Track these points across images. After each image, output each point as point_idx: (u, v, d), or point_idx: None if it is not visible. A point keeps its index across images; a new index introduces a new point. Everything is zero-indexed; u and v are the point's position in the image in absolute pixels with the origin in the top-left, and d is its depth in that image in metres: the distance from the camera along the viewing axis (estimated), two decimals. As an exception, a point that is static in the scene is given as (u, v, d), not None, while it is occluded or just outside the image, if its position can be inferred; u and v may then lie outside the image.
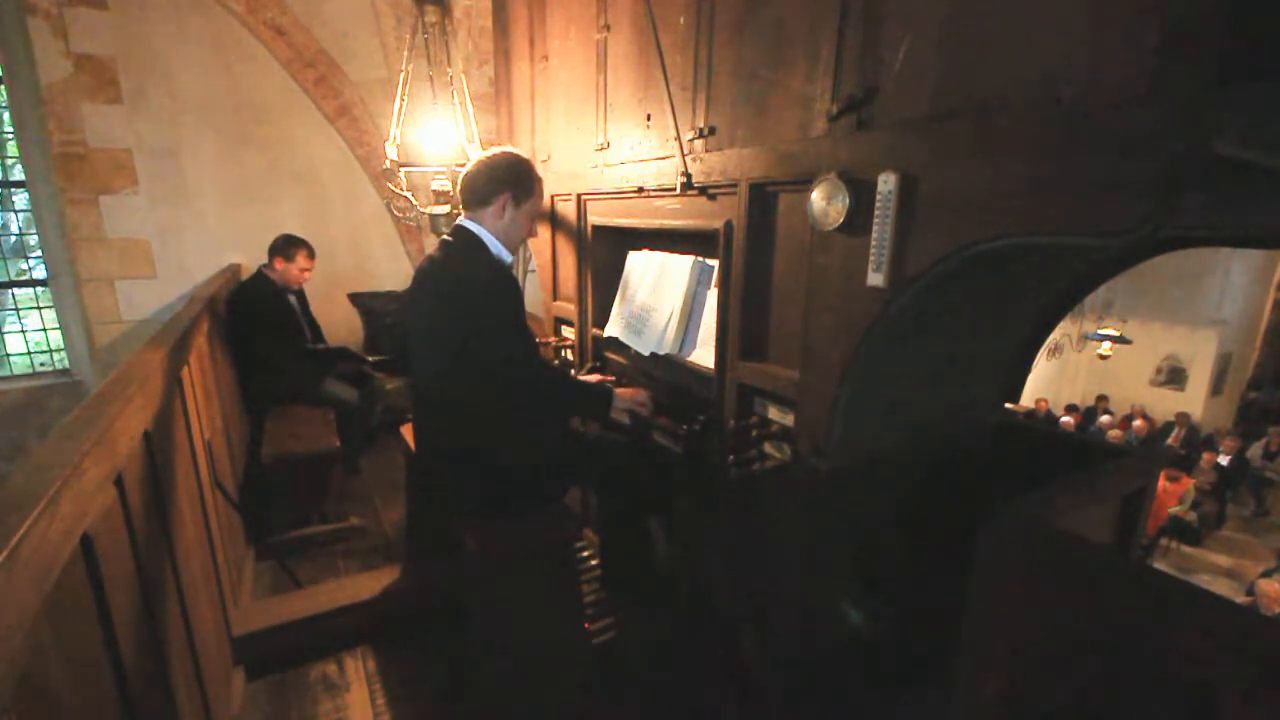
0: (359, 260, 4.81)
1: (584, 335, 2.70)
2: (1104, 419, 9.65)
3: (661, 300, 2.21)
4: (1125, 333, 8.94)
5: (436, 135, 2.97)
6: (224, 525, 2.37)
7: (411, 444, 2.24)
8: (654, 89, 2.04)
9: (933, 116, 1.23)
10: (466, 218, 1.88)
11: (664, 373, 2.22)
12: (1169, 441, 9.39)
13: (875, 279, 1.35)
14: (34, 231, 4.15)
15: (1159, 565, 6.75)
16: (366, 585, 2.52)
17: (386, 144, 2.98)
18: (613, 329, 2.43)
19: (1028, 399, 9.59)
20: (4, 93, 3.88)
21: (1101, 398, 10.62)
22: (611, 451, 2.13)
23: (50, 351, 4.41)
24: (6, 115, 3.99)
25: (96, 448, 1.06)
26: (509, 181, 1.84)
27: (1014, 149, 1.07)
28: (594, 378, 2.41)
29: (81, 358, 4.25)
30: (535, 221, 2.00)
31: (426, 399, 1.96)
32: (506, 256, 1.90)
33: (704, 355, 2.05)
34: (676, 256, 2.22)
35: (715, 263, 1.92)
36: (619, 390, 2.08)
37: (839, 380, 1.48)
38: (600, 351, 2.62)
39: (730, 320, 1.84)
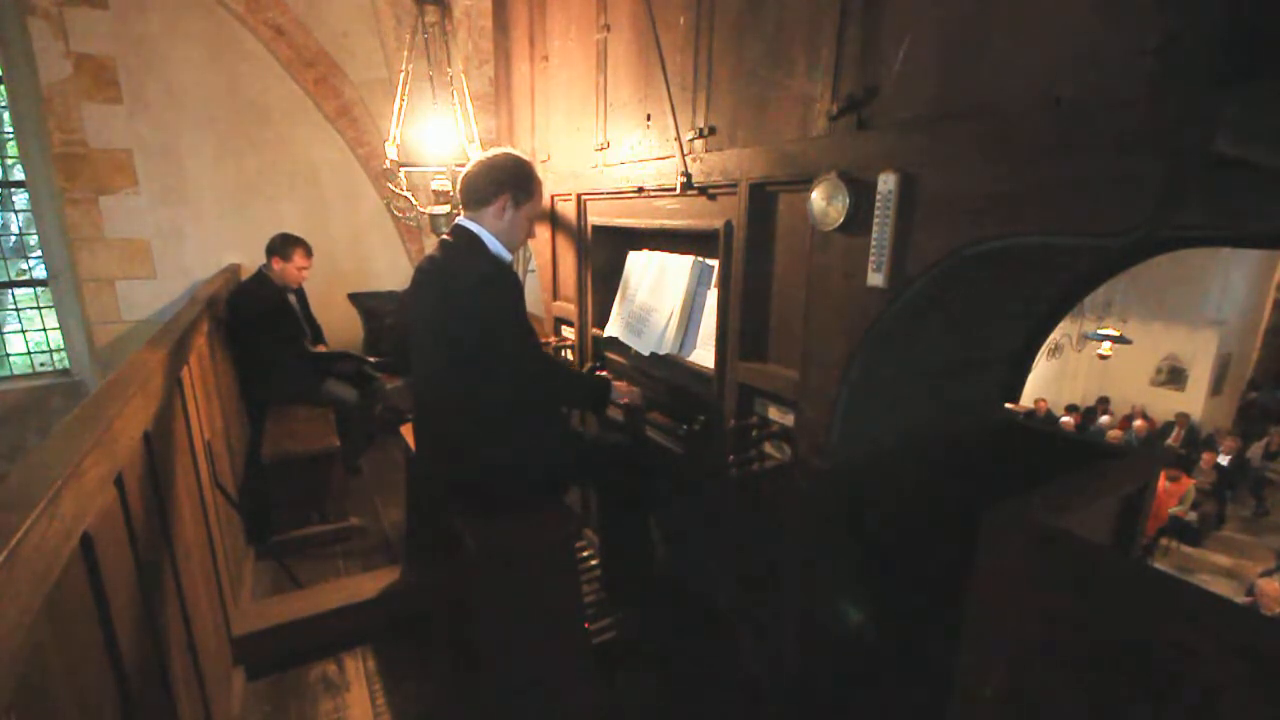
0: (359, 260, 4.81)
1: (584, 335, 2.70)
2: (1104, 419, 9.66)
3: (661, 300, 2.21)
4: (1125, 333, 8.93)
5: (436, 135, 2.97)
6: (224, 525, 2.37)
7: (411, 444, 2.24)
8: (654, 89, 2.04)
9: (933, 116, 1.23)
10: (466, 218, 1.88)
11: (664, 373, 2.22)
12: (1169, 441, 9.39)
13: (875, 279, 1.35)
14: (34, 231, 4.16)
15: (1159, 565, 6.75)
16: (366, 585, 2.52)
17: (386, 144, 2.98)
18: (613, 329, 2.43)
19: (1028, 399, 9.59)
20: (4, 93, 3.88)
21: (1101, 398, 10.62)
22: (611, 451, 2.13)
23: (50, 351, 4.41)
24: (6, 115, 3.99)
25: (96, 448, 1.06)
26: (509, 183, 1.84)
27: (1013, 149, 1.07)
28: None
29: (81, 358, 4.26)
30: (535, 223, 2.00)
31: (427, 399, 1.96)
32: (506, 256, 1.90)
33: (704, 355, 2.05)
34: (676, 256, 2.22)
35: (715, 263, 1.92)
36: (615, 384, 2.09)
37: (839, 380, 1.48)
38: (600, 351, 2.62)
39: (730, 320, 1.84)
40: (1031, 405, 9.56)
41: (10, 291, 4.35)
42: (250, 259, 4.24)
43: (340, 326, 4.47)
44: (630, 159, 2.24)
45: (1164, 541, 7.34)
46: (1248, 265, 9.76)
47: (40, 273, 4.29)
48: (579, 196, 2.56)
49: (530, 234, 2.00)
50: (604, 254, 2.55)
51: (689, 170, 1.88)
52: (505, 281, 1.81)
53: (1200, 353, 10.13)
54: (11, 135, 4.02)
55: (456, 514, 1.89)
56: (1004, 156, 1.09)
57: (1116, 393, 10.66)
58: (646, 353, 2.22)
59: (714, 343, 1.91)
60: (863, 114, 1.37)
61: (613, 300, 2.49)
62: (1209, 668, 0.86)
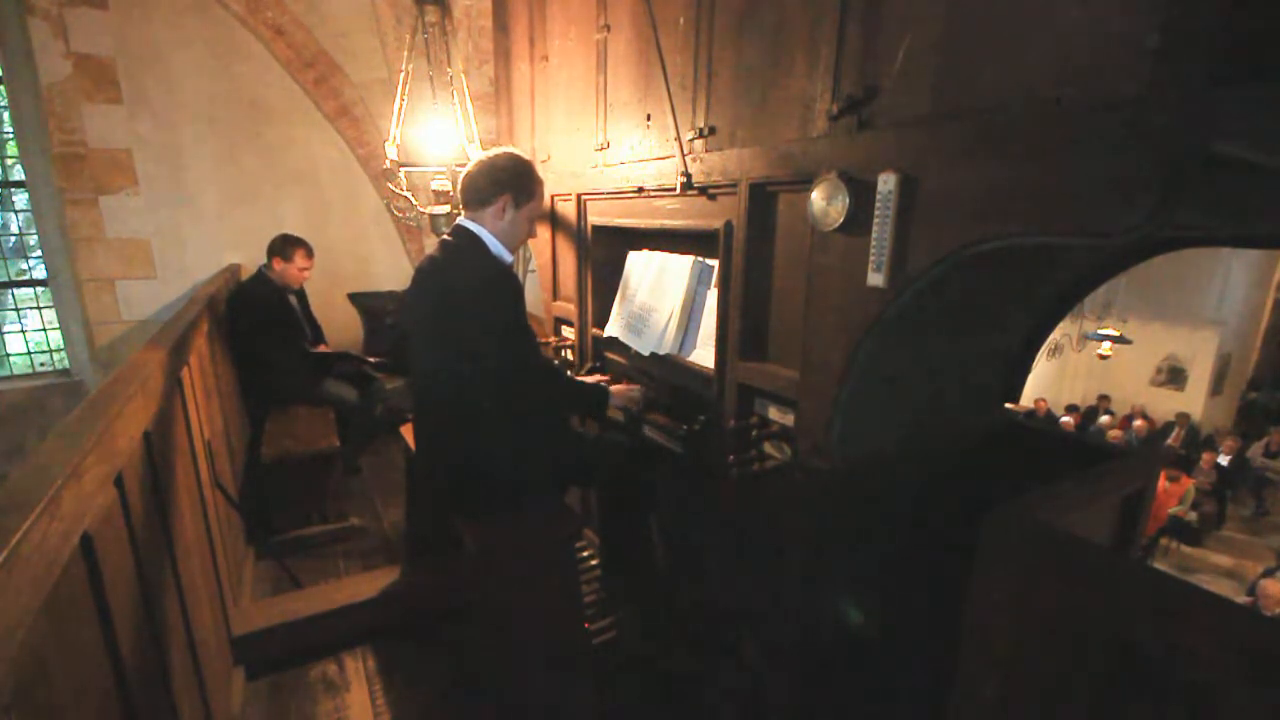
0: (359, 260, 4.81)
1: (584, 335, 2.70)
2: (1104, 419, 9.65)
3: (661, 300, 2.21)
4: (1125, 333, 8.92)
5: (436, 135, 2.97)
6: (224, 525, 2.37)
7: (411, 444, 2.24)
8: (654, 89, 2.04)
9: (933, 116, 1.23)
10: (466, 218, 1.88)
11: (664, 373, 2.22)
12: (1169, 441, 9.39)
13: (875, 279, 1.35)
14: (34, 231, 4.16)
15: (1159, 565, 6.75)
16: (366, 585, 2.52)
17: (386, 144, 2.98)
18: (613, 329, 2.43)
19: (1028, 399, 9.59)
20: (4, 93, 3.88)
21: (1102, 398, 10.62)
22: (612, 452, 2.13)
23: (50, 351, 4.41)
24: (6, 115, 3.99)
25: (96, 448, 1.06)
26: (510, 183, 1.84)
27: (1014, 149, 1.07)
28: (592, 378, 2.41)
29: (81, 358, 4.25)
30: (535, 223, 2.00)
31: (426, 399, 1.96)
32: (507, 257, 1.90)
33: (704, 355, 2.05)
34: (676, 256, 2.22)
35: (715, 263, 1.92)
36: (614, 387, 2.09)
37: (839, 380, 1.48)
38: (600, 351, 2.61)
39: (730, 320, 1.84)
40: (1031, 405, 9.56)
41: (10, 291, 4.35)
42: (250, 259, 4.23)
43: (340, 326, 4.47)
44: (630, 159, 2.24)
45: (1164, 541, 7.33)
46: (1248, 265, 9.76)
47: (40, 273, 4.29)
48: (579, 196, 2.56)
49: (531, 234, 2.00)
50: (604, 254, 2.55)
51: (689, 170, 1.88)
52: (505, 283, 1.80)
53: (1200, 353, 10.13)
54: (11, 135, 4.01)
55: (456, 514, 1.89)
56: (1004, 156, 1.09)
57: (1116, 393, 10.66)
58: (646, 353, 2.22)
59: (714, 343, 1.91)
60: (863, 114, 1.37)
61: (613, 300, 2.49)
62: (1209, 668, 0.86)
